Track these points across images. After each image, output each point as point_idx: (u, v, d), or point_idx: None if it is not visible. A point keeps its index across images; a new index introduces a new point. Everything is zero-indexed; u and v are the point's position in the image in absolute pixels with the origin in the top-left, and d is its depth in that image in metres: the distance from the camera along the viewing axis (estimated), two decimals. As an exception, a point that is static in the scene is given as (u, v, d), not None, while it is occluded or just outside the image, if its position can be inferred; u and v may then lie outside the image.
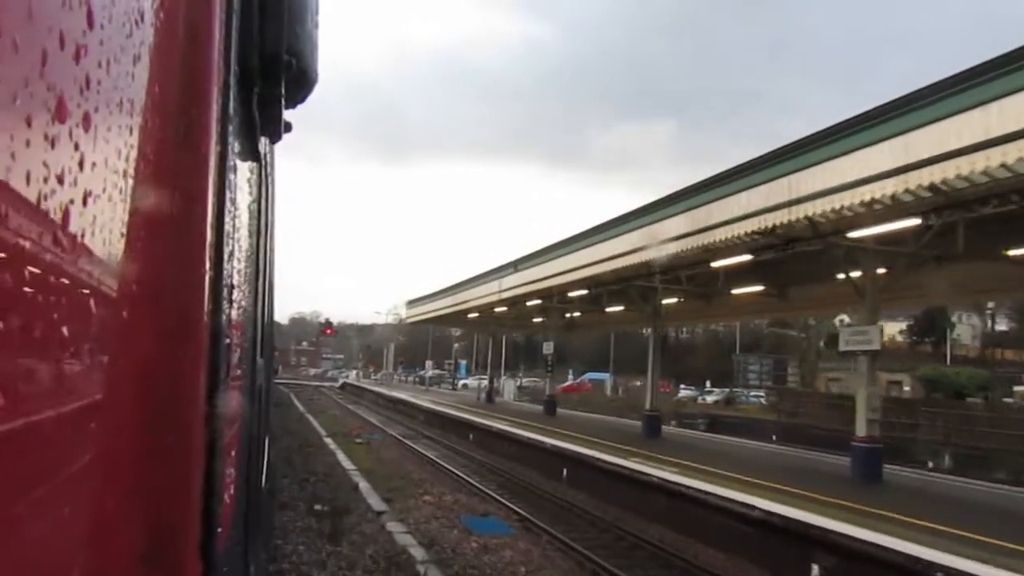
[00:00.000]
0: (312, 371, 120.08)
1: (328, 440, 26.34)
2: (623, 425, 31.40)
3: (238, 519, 1.54)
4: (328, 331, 56.43)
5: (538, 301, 27.32)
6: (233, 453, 1.36)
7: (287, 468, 19.04)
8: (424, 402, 39.48)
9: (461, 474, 19.74)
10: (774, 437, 33.28)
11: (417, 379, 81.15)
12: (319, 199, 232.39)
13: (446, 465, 21.15)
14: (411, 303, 38.56)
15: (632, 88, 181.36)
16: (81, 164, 0.56)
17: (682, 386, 72.72)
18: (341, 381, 76.16)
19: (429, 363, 52.22)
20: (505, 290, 24.29)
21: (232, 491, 1.32)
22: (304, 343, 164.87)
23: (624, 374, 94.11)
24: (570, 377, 75.18)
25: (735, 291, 21.02)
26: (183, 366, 0.77)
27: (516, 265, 23.72)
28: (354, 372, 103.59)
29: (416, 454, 23.81)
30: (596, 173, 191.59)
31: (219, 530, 0.95)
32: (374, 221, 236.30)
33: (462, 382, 76.05)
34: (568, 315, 31.05)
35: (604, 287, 22.33)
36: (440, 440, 28.16)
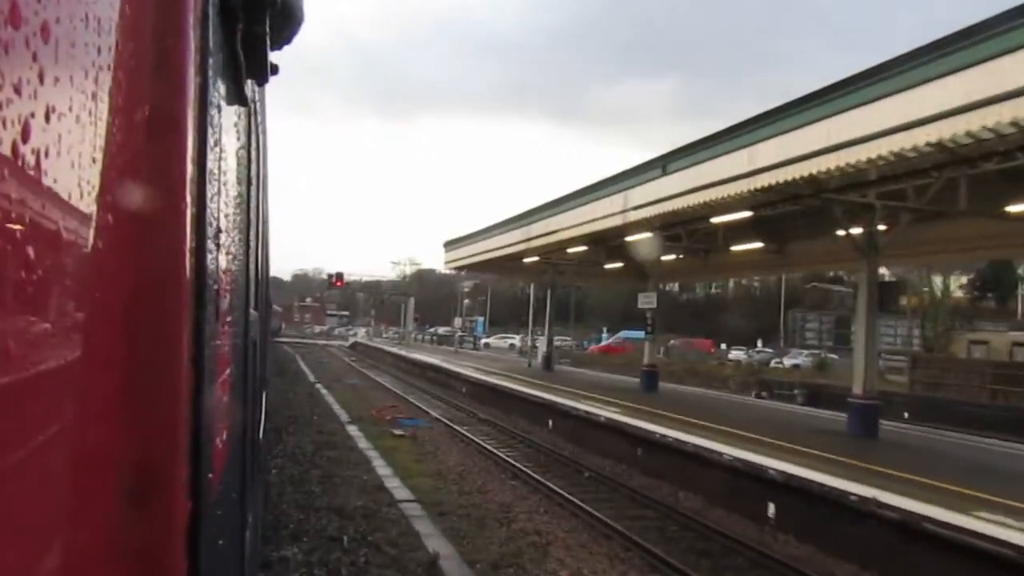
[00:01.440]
0: (318, 328, 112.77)
1: (353, 430, 18.63)
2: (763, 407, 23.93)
3: (233, 465, 1.51)
4: (338, 283, 48.60)
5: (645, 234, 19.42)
6: (225, 399, 1.33)
7: (299, 494, 11.31)
8: (463, 368, 31.73)
9: (608, 520, 10.79)
10: (906, 415, 25.75)
11: (431, 338, 73.90)
12: (323, 156, 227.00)
13: (553, 487, 12.91)
14: (450, 244, 30.28)
15: (636, 44, 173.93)
16: (41, 78, 0.53)
17: (731, 348, 65.04)
18: (351, 340, 68.50)
19: (458, 321, 44.05)
20: (639, 207, 16.16)
21: (225, 437, 1.29)
22: (308, 299, 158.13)
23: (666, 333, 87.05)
24: (604, 336, 67.54)
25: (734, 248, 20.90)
26: (166, 303, 0.76)
27: (665, 166, 15.53)
28: (363, 330, 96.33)
29: (489, 457, 15.95)
30: (600, 129, 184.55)
31: (210, 474, 0.96)
32: (377, 177, 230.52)
33: (483, 341, 68.55)
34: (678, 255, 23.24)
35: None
36: (507, 429, 20.29)
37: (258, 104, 2.29)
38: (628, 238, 20.23)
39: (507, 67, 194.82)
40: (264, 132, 2.97)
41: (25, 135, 0.51)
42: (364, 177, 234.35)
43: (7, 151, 0.48)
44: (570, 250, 24.88)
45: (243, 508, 1.82)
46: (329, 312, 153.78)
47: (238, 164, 1.57)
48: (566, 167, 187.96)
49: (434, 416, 22.63)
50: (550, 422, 19.73)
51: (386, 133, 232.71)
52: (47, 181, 0.54)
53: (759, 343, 64.35)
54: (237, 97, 1.40)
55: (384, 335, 76.11)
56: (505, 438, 18.79)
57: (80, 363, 0.61)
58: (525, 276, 32.96)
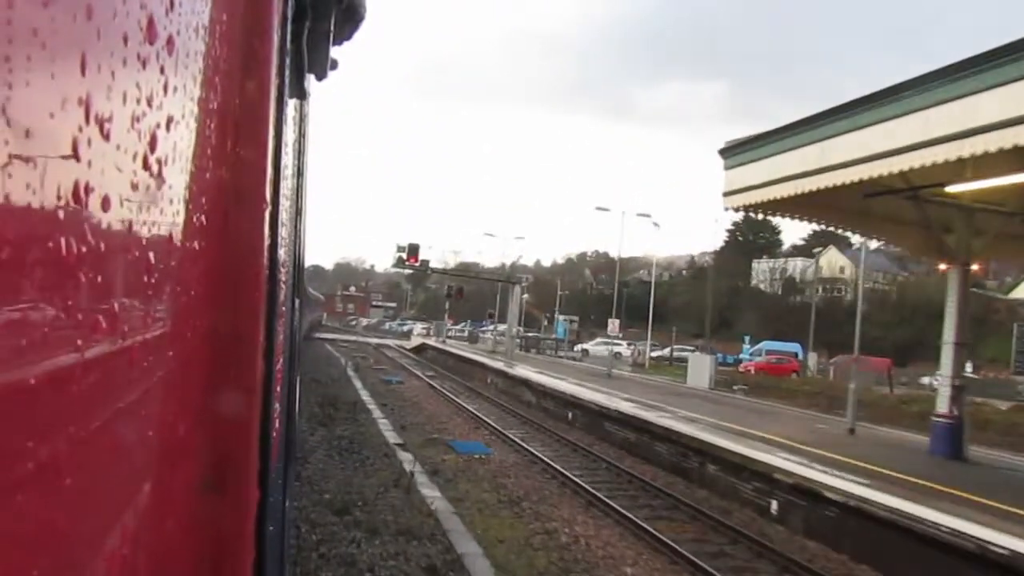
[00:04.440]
0: (364, 321, 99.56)
1: None
2: None
3: (280, 449, 1.55)
4: (412, 259, 34.53)
5: None
6: (279, 389, 1.34)
7: None
8: (773, 457, 17.14)
9: None
10: None
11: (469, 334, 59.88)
12: (371, 150, 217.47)
13: None
14: (737, 153, 13.52)
15: (686, 42, 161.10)
16: (166, 89, 0.57)
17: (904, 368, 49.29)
18: (415, 339, 54.24)
19: (614, 323, 28.42)
20: None
21: (277, 425, 1.31)
22: (352, 288, 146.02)
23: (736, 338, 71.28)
24: (746, 347, 52.35)
25: None
26: (245, 300, 0.78)
27: None
28: (419, 325, 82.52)
29: None
30: (647, 128, 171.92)
31: (273, 463, 0.99)
32: (425, 170, 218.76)
33: (579, 347, 53.96)
34: None
35: None
36: None
37: (310, 96, 2.23)
38: None
39: (557, 62, 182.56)
40: (309, 124, 2.78)
41: (152, 145, 0.53)
42: (412, 168, 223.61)
43: (138, 163, 0.50)
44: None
45: (285, 491, 1.82)
46: (374, 303, 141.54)
47: (293, 157, 1.57)
48: (615, 164, 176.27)
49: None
50: None
51: (441, 127, 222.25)
52: (164, 187, 0.56)
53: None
54: (298, 91, 1.43)
55: (448, 334, 62.20)
56: None
57: (168, 359, 0.62)
58: (901, 232, 14.51)
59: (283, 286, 1.22)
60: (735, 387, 34.73)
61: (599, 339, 58.63)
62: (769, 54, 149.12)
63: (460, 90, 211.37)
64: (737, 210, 12.49)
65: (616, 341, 65.88)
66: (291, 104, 1.29)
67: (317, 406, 19.52)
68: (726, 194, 12.06)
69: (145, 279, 0.55)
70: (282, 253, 1.15)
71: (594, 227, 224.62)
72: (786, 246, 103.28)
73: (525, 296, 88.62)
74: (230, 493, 0.75)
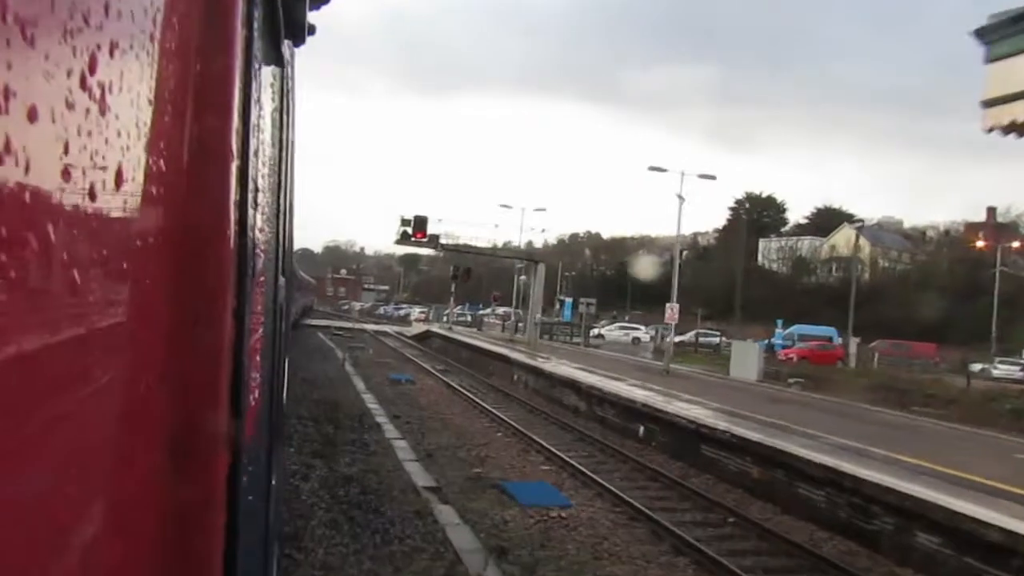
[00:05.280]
0: (358, 305, 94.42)
1: None
2: None
3: (262, 424, 1.52)
4: (419, 235, 29.48)
5: None
6: (258, 358, 1.31)
7: None
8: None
9: None
10: None
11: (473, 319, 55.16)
12: (358, 130, 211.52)
13: None
14: (1006, 30, 9.69)
15: (673, 24, 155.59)
16: (107, 10, 0.53)
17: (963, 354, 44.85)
18: (416, 326, 49.01)
19: (673, 308, 23.23)
20: None
21: (256, 395, 1.29)
22: (343, 271, 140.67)
23: (750, 321, 66.89)
24: (778, 331, 47.71)
25: None
26: (211, 254, 0.76)
27: None
28: (416, 310, 77.46)
29: None
30: (636, 112, 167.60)
31: (246, 428, 0.96)
32: (411, 152, 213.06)
33: (595, 331, 49.26)
34: None
35: None
36: None
37: (290, 67, 2.23)
38: None
39: (539, 44, 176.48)
40: (294, 98, 2.80)
41: (92, 67, 0.50)
42: (398, 151, 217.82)
43: (75, 81, 0.47)
44: None
45: (269, 468, 1.78)
46: (366, 286, 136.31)
47: (272, 126, 1.53)
48: (600, 148, 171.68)
49: None
50: None
51: (419, 107, 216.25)
52: (109, 117, 0.54)
53: None
54: (275, 57, 1.36)
55: (449, 319, 57.38)
56: None
57: (126, 316, 0.60)
58: None
59: (260, 254, 1.16)
60: (791, 380, 30.13)
61: (616, 323, 54.14)
62: (760, 35, 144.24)
63: (457, 79, 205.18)
64: (1011, 131, 7.54)
65: (631, 326, 61.27)
66: (267, 71, 1.27)
67: (311, 422, 14.62)
68: (989, 103, 7.21)
69: (104, 241, 0.53)
70: (259, 219, 1.09)
71: (590, 208, 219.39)
72: (789, 225, 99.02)
73: (523, 279, 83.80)
74: (197, 454, 0.73)
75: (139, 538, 0.67)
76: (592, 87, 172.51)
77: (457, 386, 22.74)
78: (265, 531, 1.65)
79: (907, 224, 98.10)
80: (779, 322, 48.42)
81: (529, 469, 12.69)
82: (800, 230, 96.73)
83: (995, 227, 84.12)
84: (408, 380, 22.75)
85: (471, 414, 18.26)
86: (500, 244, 30.73)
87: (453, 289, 42.92)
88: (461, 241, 29.88)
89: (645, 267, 65.04)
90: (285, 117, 2.01)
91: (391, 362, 29.73)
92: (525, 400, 20.72)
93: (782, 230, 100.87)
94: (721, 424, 13.18)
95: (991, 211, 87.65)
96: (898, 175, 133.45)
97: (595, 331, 49.26)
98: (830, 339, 46.13)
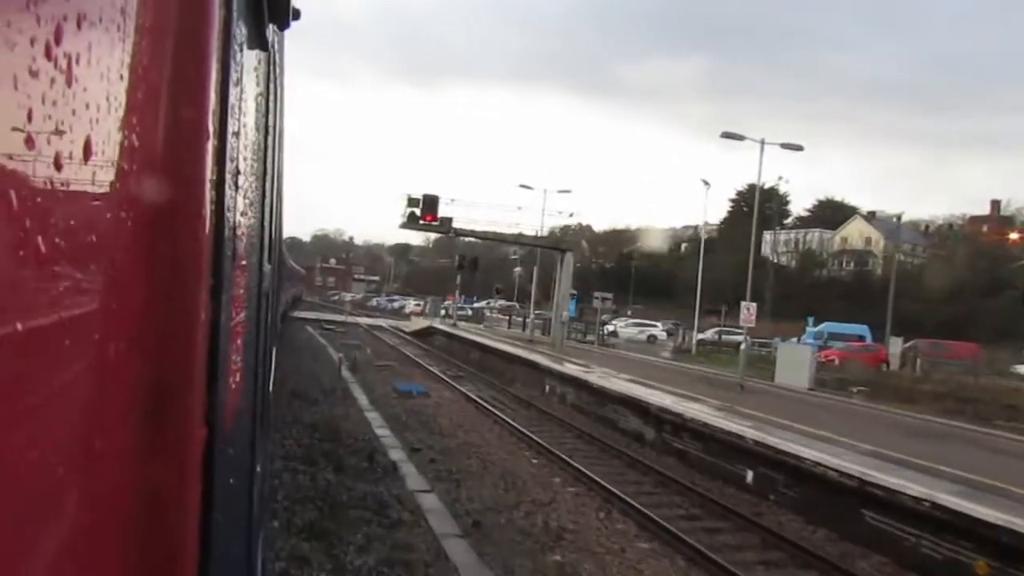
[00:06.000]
0: (348, 296, 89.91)
1: None
2: None
3: (245, 405, 1.49)
4: (428, 217, 25.06)
5: None
6: (240, 342, 1.29)
7: None
8: None
9: None
10: None
11: (464, 312, 51.11)
12: (348, 119, 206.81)
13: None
14: None
15: (666, 18, 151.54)
16: (80, 22, 0.53)
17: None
18: (421, 322, 44.40)
19: (749, 308, 19.76)
20: None
21: (238, 377, 1.27)
22: (332, 260, 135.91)
23: (765, 316, 62.94)
24: (809, 330, 43.74)
25: None
26: (185, 227, 0.76)
27: None
28: (411, 302, 72.96)
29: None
30: (627, 105, 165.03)
31: (225, 403, 0.95)
32: (401, 142, 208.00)
33: (607, 328, 45.18)
34: None
35: None
36: None
37: (278, 54, 2.19)
38: None
39: (531, 37, 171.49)
40: (282, 84, 2.82)
41: (58, 37, 0.50)
42: (388, 141, 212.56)
43: (40, 53, 0.47)
44: None
45: (253, 454, 1.74)
46: (356, 276, 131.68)
47: (256, 110, 1.52)
48: (591, 140, 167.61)
49: None
50: None
51: (415, 99, 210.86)
52: (76, 88, 0.53)
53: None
54: (258, 41, 1.34)
55: (452, 313, 53.21)
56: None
57: (99, 285, 0.61)
58: None
59: (242, 236, 1.13)
60: (853, 389, 26.15)
61: (627, 319, 50.24)
62: (750, 28, 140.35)
63: (441, 65, 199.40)
64: None
65: (645, 323, 57.23)
66: (251, 55, 1.26)
67: (304, 464, 10.49)
68: None
69: (70, 213, 0.53)
70: (240, 201, 1.06)
71: (578, 201, 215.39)
72: (791, 218, 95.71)
73: (519, 271, 79.46)
74: (170, 426, 0.73)
75: (109, 511, 0.66)
76: (584, 79, 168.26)
77: (478, 399, 18.57)
78: (248, 519, 1.61)
79: (905, 218, 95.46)
80: (810, 319, 44.41)
81: (630, 552, 8.57)
82: (802, 223, 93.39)
83: (999, 220, 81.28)
84: (420, 392, 18.52)
85: (509, 444, 14.10)
86: (515, 230, 26.44)
87: (459, 281, 38.56)
88: (478, 226, 25.53)
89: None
90: (271, 102, 1.98)
91: (394, 365, 25.46)
92: (567, 420, 16.57)
93: (785, 222, 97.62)
94: (899, 484, 9.10)
95: (995, 204, 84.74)
96: (890, 170, 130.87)
97: (608, 327, 45.20)
98: (862, 338, 42.32)
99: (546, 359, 22.35)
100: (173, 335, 0.73)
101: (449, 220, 25.32)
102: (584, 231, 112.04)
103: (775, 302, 66.36)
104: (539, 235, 27.26)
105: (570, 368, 20.06)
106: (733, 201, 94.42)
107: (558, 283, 26.93)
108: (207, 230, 0.79)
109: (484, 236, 27.31)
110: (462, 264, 35.95)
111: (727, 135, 22.50)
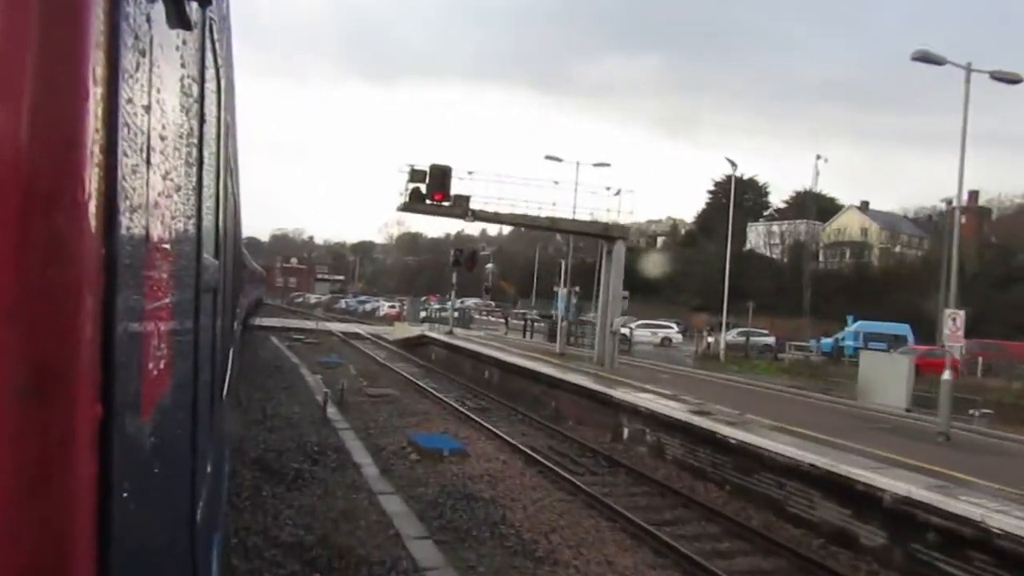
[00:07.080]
0: (313, 299, 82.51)
1: None
2: None
3: (178, 405, 1.45)
4: (438, 196, 18.77)
5: None
6: (165, 328, 1.25)
7: None
8: None
9: None
10: None
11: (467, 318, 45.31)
12: (306, 118, 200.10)
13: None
14: None
15: (621, 15, 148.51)
16: None
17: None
18: (410, 328, 37.60)
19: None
20: None
21: (162, 367, 1.22)
22: (293, 260, 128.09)
23: (764, 313, 58.34)
24: (848, 330, 38.52)
25: None
26: (62, 200, 0.71)
27: None
28: (384, 303, 66.20)
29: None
30: (585, 101, 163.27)
31: (133, 384, 0.93)
32: (361, 141, 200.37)
33: (616, 331, 39.32)
34: None
35: None
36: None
37: (214, 39, 2.04)
38: None
39: (490, 34, 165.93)
40: (226, 74, 2.65)
41: None
42: (347, 140, 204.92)
43: None
44: None
45: (194, 452, 1.67)
46: (319, 276, 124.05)
47: (183, 92, 1.47)
48: (551, 137, 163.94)
49: None
50: None
51: (371, 96, 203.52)
52: None
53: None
54: (179, 20, 1.34)
55: (426, 314, 46.83)
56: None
57: None
58: None
59: (156, 214, 1.08)
60: (973, 412, 20.71)
61: (638, 320, 44.63)
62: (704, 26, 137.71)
63: (404, 67, 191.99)
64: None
65: (658, 324, 51.70)
66: (169, 33, 1.20)
67: None
68: None
69: None
70: (153, 178, 1.03)
71: (540, 193, 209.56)
72: (769, 209, 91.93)
73: (491, 267, 73.40)
74: (54, 401, 0.70)
75: None
76: (541, 75, 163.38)
77: (538, 456, 12.46)
78: (189, 515, 1.59)
79: (884, 208, 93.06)
80: (850, 318, 39.27)
81: None
82: (780, 214, 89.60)
83: (978, 210, 78.49)
84: (456, 449, 12.25)
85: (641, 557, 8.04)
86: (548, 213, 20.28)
87: (454, 279, 32.23)
88: (504, 208, 19.24)
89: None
90: (209, 88, 1.92)
91: (395, 394, 19.04)
92: (714, 507, 10.52)
93: (764, 214, 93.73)
94: None
95: (973, 194, 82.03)
96: (850, 164, 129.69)
97: (620, 330, 39.42)
98: (902, 338, 37.34)
99: (603, 384, 16.30)
100: (54, 314, 0.69)
101: (466, 199, 19.07)
102: (557, 223, 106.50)
103: (769, 296, 61.68)
104: (576, 219, 21.03)
105: (663, 405, 13.98)
106: (711, 192, 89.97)
107: (604, 280, 20.97)
108: (91, 204, 0.72)
109: (512, 221, 21.17)
110: (458, 260, 29.74)
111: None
